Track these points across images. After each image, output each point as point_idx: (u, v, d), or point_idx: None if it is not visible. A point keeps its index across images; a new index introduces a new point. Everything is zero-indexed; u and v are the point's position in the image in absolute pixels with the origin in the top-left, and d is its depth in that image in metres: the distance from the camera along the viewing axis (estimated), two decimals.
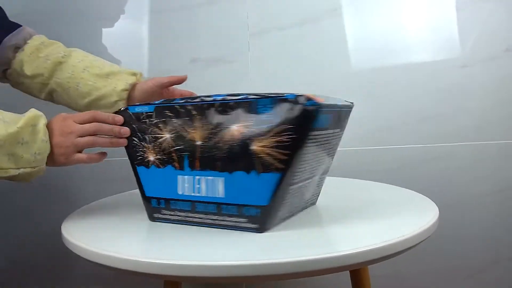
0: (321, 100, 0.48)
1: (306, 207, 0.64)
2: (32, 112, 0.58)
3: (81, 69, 0.72)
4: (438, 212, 0.58)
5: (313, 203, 0.66)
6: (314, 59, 1.01)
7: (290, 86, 1.00)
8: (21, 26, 0.73)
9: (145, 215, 0.61)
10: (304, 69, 1.01)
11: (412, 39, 1.01)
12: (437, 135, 1.01)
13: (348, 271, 0.75)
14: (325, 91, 1.00)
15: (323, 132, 0.52)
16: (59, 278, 1.07)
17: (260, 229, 0.52)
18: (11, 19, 0.75)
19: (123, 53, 1.04)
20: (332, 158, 0.62)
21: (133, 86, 0.74)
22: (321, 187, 0.66)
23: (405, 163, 1.01)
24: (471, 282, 1.04)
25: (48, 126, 0.59)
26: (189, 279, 0.44)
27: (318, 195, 0.67)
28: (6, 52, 0.72)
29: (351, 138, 1.01)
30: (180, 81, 0.74)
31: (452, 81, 1.00)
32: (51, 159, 0.59)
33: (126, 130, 0.59)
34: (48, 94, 0.75)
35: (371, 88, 1.01)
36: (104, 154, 0.63)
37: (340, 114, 0.56)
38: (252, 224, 0.52)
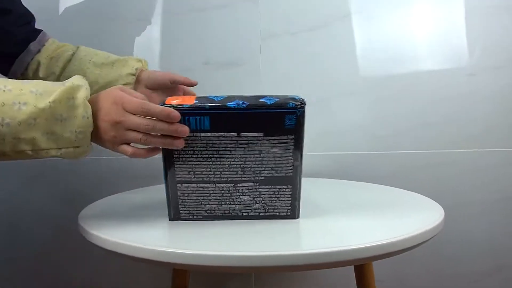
0: (181, 102, 0.52)
1: (256, 215, 0.59)
2: (72, 81, 0.52)
3: (87, 60, 0.74)
4: (443, 213, 0.60)
5: (278, 215, 0.59)
6: (323, 64, 1.03)
7: (299, 89, 1.01)
8: (41, 31, 0.77)
9: (157, 207, 0.63)
10: (313, 73, 1.03)
11: (420, 47, 1.02)
12: (442, 141, 1.02)
13: (352, 268, 0.77)
14: (333, 96, 1.03)
15: (203, 134, 0.53)
16: (73, 268, 1.09)
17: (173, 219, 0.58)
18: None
19: (135, 54, 1.06)
20: (279, 167, 0.56)
21: (140, 72, 0.74)
22: (283, 198, 0.58)
23: (410, 168, 1.03)
24: None
25: (94, 101, 0.53)
26: (197, 267, 0.46)
27: (290, 208, 0.59)
28: (29, 58, 0.75)
29: (358, 143, 1.03)
30: (192, 84, 0.75)
31: (459, 89, 1.01)
32: (98, 138, 0.53)
33: (185, 130, 0.52)
34: None
35: (378, 94, 1.03)
36: (154, 150, 0.55)
37: (233, 117, 0.53)
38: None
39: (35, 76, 0.75)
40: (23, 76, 0.76)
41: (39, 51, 0.76)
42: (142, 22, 1.05)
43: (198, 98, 0.54)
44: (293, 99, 0.53)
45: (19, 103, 0.48)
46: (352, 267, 0.77)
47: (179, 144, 0.53)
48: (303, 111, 0.53)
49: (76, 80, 0.53)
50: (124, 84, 0.71)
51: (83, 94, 0.51)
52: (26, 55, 0.74)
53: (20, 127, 0.48)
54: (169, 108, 0.52)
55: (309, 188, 0.76)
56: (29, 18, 0.77)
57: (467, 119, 1.02)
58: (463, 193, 1.03)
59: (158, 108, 0.51)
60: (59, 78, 0.75)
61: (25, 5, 0.77)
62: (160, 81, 0.74)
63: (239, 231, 0.55)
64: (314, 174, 1.02)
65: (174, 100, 0.53)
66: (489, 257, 1.04)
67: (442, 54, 1.02)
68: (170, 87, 0.75)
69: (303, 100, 0.53)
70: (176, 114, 0.51)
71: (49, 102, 0.49)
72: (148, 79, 0.74)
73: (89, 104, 0.52)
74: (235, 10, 1.03)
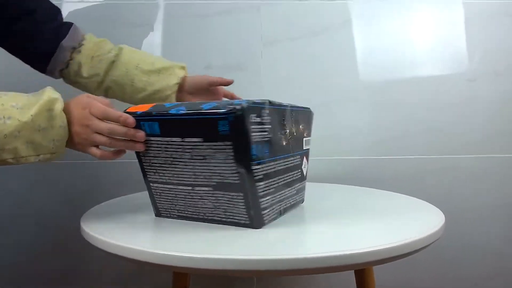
0: (137, 109, 0.56)
1: (219, 220, 0.58)
2: (48, 95, 0.56)
3: (134, 66, 0.77)
4: (444, 218, 0.60)
5: (238, 223, 0.57)
6: (324, 69, 1.04)
7: (300, 94, 1.03)
8: (72, 24, 0.77)
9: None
10: (314, 78, 1.04)
11: (421, 53, 1.03)
12: (442, 147, 1.03)
13: (353, 272, 0.77)
14: (334, 100, 1.03)
15: (156, 138, 0.56)
16: (74, 269, 1.09)
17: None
18: None
19: None
20: (225, 173, 0.54)
21: (184, 80, 0.79)
22: (238, 206, 0.55)
23: (410, 174, 1.03)
24: None
25: (67, 110, 0.57)
26: (198, 271, 0.46)
27: (247, 217, 0.55)
28: (65, 55, 0.76)
29: (358, 148, 1.03)
30: (228, 83, 0.81)
31: (459, 95, 1.02)
32: (71, 143, 0.58)
33: (141, 135, 0.56)
34: (104, 90, 0.79)
35: (378, 99, 1.03)
36: (119, 153, 0.61)
37: (177, 123, 0.54)
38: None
39: (78, 76, 0.77)
40: (62, 74, 0.78)
41: (77, 49, 0.76)
42: (145, 27, 1.06)
43: (154, 106, 0.57)
44: (232, 104, 0.50)
45: (4, 117, 0.52)
46: (352, 271, 0.77)
47: (140, 147, 0.58)
48: (241, 116, 0.49)
49: (51, 93, 0.57)
50: (170, 94, 0.77)
51: (59, 106, 0.56)
52: (60, 53, 0.75)
53: (5, 140, 0.53)
54: (126, 114, 0.56)
55: (310, 192, 0.76)
56: (55, 12, 0.76)
57: (468, 125, 1.02)
58: (463, 198, 1.03)
59: (116, 113, 0.56)
60: (103, 81, 0.78)
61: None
62: (199, 85, 0.80)
63: (233, 234, 0.55)
64: (314, 179, 1.02)
65: (134, 109, 0.58)
66: (490, 261, 1.05)
67: (442, 60, 1.03)
68: (210, 89, 0.81)
69: (243, 105, 0.49)
70: (131, 119, 0.56)
71: (31, 115, 0.53)
72: (188, 85, 0.80)
73: (64, 114, 0.56)
74: (237, 16, 1.04)
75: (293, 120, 0.61)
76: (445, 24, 1.03)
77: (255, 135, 0.51)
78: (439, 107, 1.02)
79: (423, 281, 1.06)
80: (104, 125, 0.56)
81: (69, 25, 0.77)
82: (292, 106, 0.61)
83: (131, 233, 0.57)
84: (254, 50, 1.04)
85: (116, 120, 0.56)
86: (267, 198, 0.56)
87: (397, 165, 1.03)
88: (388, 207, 0.72)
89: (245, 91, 1.03)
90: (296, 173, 0.64)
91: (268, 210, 0.56)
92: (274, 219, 0.59)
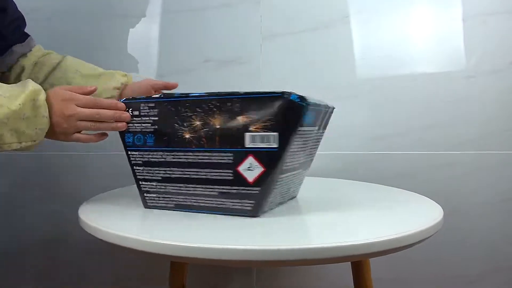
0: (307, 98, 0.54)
1: (290, 198, 0.69)
2: (31, 86, 0.58)
3: (73, 70, 0.78)
4: (442, 212, 0.61)
5: (294, 196, 0.71)
6: (323, 64, 1.03)
7: (299, 89, 1.02)
8: (28, 36, 0.79)
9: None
10: (313, 73, 1.04)
11: (419, 50, 1.03)
12: (440, 143, 1.03)
13: (350, 267, 0.78)
14: (332, 96, 1.03)
15: (309, 128, 0.58)
16: (70, 259, 1.10)
17: (254, 213, 0.57)
18: (30, 14, 0.80)
19: (136, 52, 1.06)
20: (313, 157, 0.68)
21: (125, 86, 0.79)
22: (301, 183, 0.72)
23: (407, 169, 1.03)
24: None
25: (47, 101, 0.59)
26: (195, 260, 0.46)
27: (298, 190, 0.72)
28: (12, 59, 0.77)
29: (357, 143, 1.04)
30: (173, 87, 0.82)
31: (457, 92, 1.02)
32: (51, 133, 0.60)
33: (127, 116, 0.62)
34: None
35: (377, 96, 1.03)
36: (103, 135, 0.65)
37: (323, 115, 0.63)
38: (248, 207, 0.57)
39: (17, 79, 0.78)
40: (3, 75, 0.79)
41: (24, 55, 0.78)
42: (143, 21, 1.05)
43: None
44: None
45: None
46: (349, 266, 0.78)
47: (122, 126, 0.62)
48: None
49: (34, 84, 0.59)
50: (108, 98, 0.76)
51: (43, 96, 0.59)
52: (9, 56, 0.77)
53: None
54: (115, 100, 0.63)
55: (308, 186, 0.76)
56: (20, 22, 0.78)
57: (466, 121, 1.02)
58: (461, 194, 1.04)
59: (107, 101, 0.62)
60: (41, 84, 0.75)
61: (18, 7, 0.79)
62: (143, 90, 0.79)
63: (233, 224, 0.55)
64: (315, 174, 1.02)
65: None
66: (487, 258, 1.05)
67: (441, 57, 1.03)
68: (153, 92, 0.81)
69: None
70: (122, 104, 0.62)
71: (19, 104, 0.56)
72: (132, 90, 0.80)
73: (47, 105, 0.59)
74: (236, 9, 1.03)
75: (217, 111, 0.56)
76: (444, 21, 1.03)
77: (130, 126, 0.62)
78: (437, 103, 1.03)
79: (419, 276, 1.06)
80: (90, 111, 0.60)
81: (26, 35, 0.79)
82: (226, 94, 0.56)
83: (126, 223, 0.57)
84: (253, 44, 1.03)
85: (108, 106, 0.61)
86: (147, 183, 0.63)
87: (395, 161, 1.03)
88: (387, 200, 0.72)
89: (244, 84, 1.04)
90: (221, 172, 0.57)
91: (152, 195, 0.63)
92: (166, 208, 0.62)
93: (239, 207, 0.57)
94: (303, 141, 0.59)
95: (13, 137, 0.57)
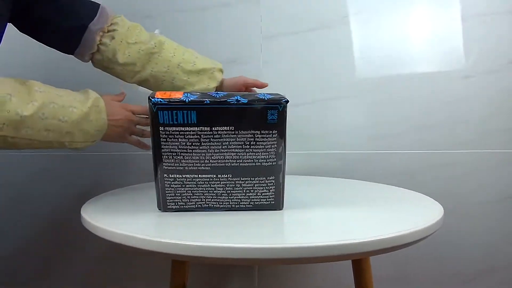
0: (167, 96, 0.55)
1: (233, 208, 0.62)
2: (93, 93, 0.66)
3: (176, 64, 0.78)
4: (443, 211, 0.61)
5: (255, 207, 0.62)
6: (323, 64, 1.04)
7: (299, 89, 1.03)
8: (99, 5, 0.74)
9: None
10: (313, 73, 1.04)
11: (418, 49, 1.04)
12: (439, 142, 1.03)
13: (350, 263, 0.78)
14: (332, 96, 1.04)
15: (183, 128, 0.56)
16: (73, 259, 1.10)
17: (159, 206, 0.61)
18: None
19: None
20: (256, 161, 0.59)
21: (222, 83, 0.83)
22: (262, 191, 0.61)
23: (406, 169, 1.04)
24: None
25: (106, 108, 0.67)
26: (194, 258, 0.47)
27: (273, 200, 0.62)
28: (94, 37, 0.74)
29: (355, 142, 1.04)
30: (262, 86, 0.87)
31: (456, 91, 1.03)
32: (107, 134, 0.68)
33: None
34: (139, 81, 0.80)
35: (376, 95, 1.04)
36: (146, 145, 0.75)
37: (234, 113, 0.57)
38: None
39: (112, 63, 0.76)
40: (93, 59, 0.77)
41: (107, 34, 0.74)
42: (145, 20, 1.05)
43: (185, 94, 0.57)
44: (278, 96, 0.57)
45: (72, 106, 0.62)
46: (350, 261, 0.78)
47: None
48: (285, 107, 0.57)
49: (93, 93, 0.67)
50: None
51: (102, 103, 0.67)
52: (89, 35, 0.73)
53: (70, 125, 0.61)
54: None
55: (309, 185, 0.77)
56: None
57: (464, 121, 1.03)
58: (459, 193, 1.04)
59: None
60: (141, 71, 0.78)
61: None
62: (236, 87, 0.84)
63: (235, 222, 0.56)
64: (315, 173, 1.03)
65: (162, 95, 0.57)
66: (486, 257, 1.06)
67: (439, 57, 1.03)
68: (244, 90, 0.85)
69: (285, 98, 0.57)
70: None
71: (88, 107, 0.63)
72: (226, 87, 0.84)
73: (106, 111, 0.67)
74: (236, 9, 1.03)
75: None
76: (443, 21, 1.03)
77: None
78: (437, 103, 1.03)
79: (417, 274, 1.07)
80: (143, 120, 0.74)
81: (97, 6, 0.74)
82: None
83: (129, 221, 0.57)
84: (253, 44, 1.04)
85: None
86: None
87: (394, 160, 1.04)
88: (388, 199, 0.73)
89: None
90: None
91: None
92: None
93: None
94: (192, 141, 0.57)
95: (80, 136, 0.64)
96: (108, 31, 0.75)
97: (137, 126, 0.75)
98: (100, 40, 0.74)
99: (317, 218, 0.59)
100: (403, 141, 1.04)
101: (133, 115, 0.72)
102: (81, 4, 0.73)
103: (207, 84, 0.80)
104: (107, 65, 0.77)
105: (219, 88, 0.83)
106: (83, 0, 0.74)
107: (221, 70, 0.83)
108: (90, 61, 0.78)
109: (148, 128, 0.59)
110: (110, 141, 0.71)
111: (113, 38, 0.75)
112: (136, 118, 0.73)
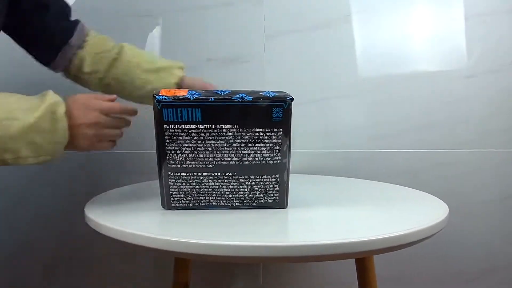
0: (172, 93, 0.55)
1: (237, 207, 0.62)
2: (51, 98, 0.56)
3: (135, 65, 0.78)
4: (448, 209, 0.61)
5: (260, 205, 0.62)
6: (325, 62, 1.04)
7: (302, 87, 1.03)
8: (79, 22, 0.77)
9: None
10: (315, 72, 1.04)
11: (419, 49, 1.04)
12: (441, 142, 1.03)
13: (354, 262, 0.78)
14: (334, 94, 1.04)
15: (187, 126, 0.56)
16: (77, 256, 1.10)
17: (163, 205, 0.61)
18: None
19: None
20: (260, 159, 0.59)
21: (182, 80, 0.81)
22: (267, 189, 0.61)
23: (408, 168, 1.04)
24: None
25: (68, 113, 0.57)
26: (199, 257, 0.47)
27: (278, 198, 0.62)
28: (71, 52, 0.76)
29: (357, 141, 1.04)
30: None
31: (457, 91, 1.03)
32: (72, 145, 0.59)
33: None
34: (103, 87, 0.80)
35: (377, 94, 1.04)
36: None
37: (238, 111, 0.56)
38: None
39: (80, 72, 0.77)
40: (66, 70, 0.78)
41: (81, 46, 0.76)
42: (147, 19, 1.05)
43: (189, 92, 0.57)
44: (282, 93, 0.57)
45: (10, 118, 0.53)
46: (354, 264, 0.78)
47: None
48: (290, 105, 0.57)
49: (53, 96, 0.57)
50: None
51: (62, 109, 0.56)
52: (68, 49, 0.75)
53: (9, 140, 0.53)
54: (126, 105, 0.65)
55: (311, 183, 0.77)
56: (67, 11, 0.77)
57: (466, 120, 1.03)
58: (461, 193, 1.04)
59: (120, 106, 0.64)
60: (104, 77, 0.78)
61: None
62: (198, 87, 0.80)
63: (240, 221, 0.56)
64: (317, 172, 1.03)
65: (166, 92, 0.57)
66: (487, 257, 1.06)
67: (441, 56, 1.03)
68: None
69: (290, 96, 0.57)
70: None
71: (35, 117, 0.54)
72: (187, 86, 0.81)
73: (66, 118, 0.57)
74: (239, 8, 1.03)
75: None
76: (444, 20, 1.03)
77: None
78: (438, 102, 1.03)
79: (420, 273, 1.07)
80: (115, 121, 0.63)
81: (76, 22, 0.77)
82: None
83: (133, 220, 0.57)
84: (256, 42, 1.03)
85: (123, 112, 0.65)
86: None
87: (396, 159, 1.04)
88: (392, 198, 0.73)
89: (247, 83, 1.04)
90: None
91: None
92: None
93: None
94: (197, 139, 0.57)
95: (29, 151, 0.55)
96: (81, 44, 0.77)
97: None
98: (74, 53, 0.76)
99: (321, 216, 0.59)
100: (404, 140, 1.04)
101: (101, 116, 0.60)
102: (65, 21, 0.76)
103: (166, 81, 0.79)
104: (75, 74, 0.78)
105: (179, 86, 0.81)
106: (66, 17, 0.77)
107: (181, 68, 0.82)
108: (65, 74, 0.80)
109: (119, 131, 0.62)
110: (80, 151, 0.62)
111: (82, 48, 0.77)
112: (106, 120, 0.61)
